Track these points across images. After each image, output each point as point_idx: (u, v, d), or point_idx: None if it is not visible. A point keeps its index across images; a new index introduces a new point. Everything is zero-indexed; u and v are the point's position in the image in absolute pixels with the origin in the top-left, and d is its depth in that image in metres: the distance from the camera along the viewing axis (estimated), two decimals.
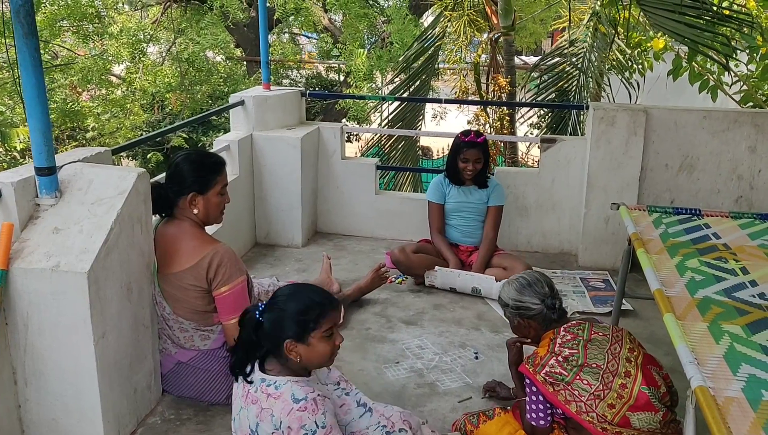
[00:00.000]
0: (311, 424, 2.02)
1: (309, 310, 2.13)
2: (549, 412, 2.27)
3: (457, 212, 4.16)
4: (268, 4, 6.47)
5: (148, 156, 11.62)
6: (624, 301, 3.58)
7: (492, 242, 4.12)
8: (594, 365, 2.22)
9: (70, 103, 10.67)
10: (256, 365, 2.16)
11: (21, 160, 10.69)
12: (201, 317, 2.74)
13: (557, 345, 2.31)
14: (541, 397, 2.26)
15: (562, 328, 2.37)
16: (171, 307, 2.73)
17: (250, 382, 2.14)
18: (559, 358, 2.25)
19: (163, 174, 3.59)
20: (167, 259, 2.73)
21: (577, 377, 2.20)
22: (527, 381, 2.30)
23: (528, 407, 2.31)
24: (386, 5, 12.52)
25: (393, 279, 4.11)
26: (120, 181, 2.54)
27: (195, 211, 2.75)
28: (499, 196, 4.18)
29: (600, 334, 2.33)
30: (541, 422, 2.27)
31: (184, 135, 11.49)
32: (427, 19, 11.82)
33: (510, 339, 2.78)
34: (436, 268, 3.99)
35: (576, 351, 2.26)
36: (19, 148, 10.38)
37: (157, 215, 2.82)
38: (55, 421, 2.47)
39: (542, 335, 2.46)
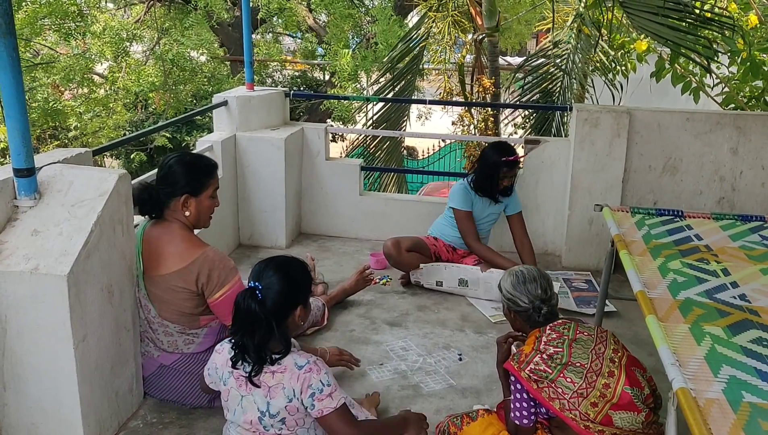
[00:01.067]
0: (317, 383, 2.17)
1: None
2: (533, 410, 2.28)
3: (479, 222, 4.12)
4: (251, 4, 6.43)
5: (132, 156, 11.52)
6: (607, 302, 3.60)
7: (531, 249, 4.11)
8: (578, 364, 2.23)
9: (52, 102, 10.55)
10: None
11: (1, 160, 10.57)
12: (188, 320, 2.72)
13: (542, 343, 2.32)
14: (525, 395, 2.26)
15: (548, 327, 2.39)
16: (156, 309, 2.70)
17: (270, 363, 2.19)
18: (544, 356, 2.26)
19: (148, 174, 3.60)
20: (155, 260, 2.70)
21: (561, 375, 2.21)
22: (512, 378, 2.31)
23: (512, 405, 2.31)
24: (371, 5, 12.51)
25: (378, 280, 4.11)
26: (101, 183, 2.52)
27: (186, 213, 2.74)
28: (517, 202, 4.18)
29: (585, 334, 2.34)
30: (525, 421, 2.28)
31: (168, 135, 11.41)
32: (412, 19, 11.82)
33: (500, 337, 2.78)
34: (421, 265, 3.99)
35: (561, 350, 2.27)
36: None
37: (144, 216, 2.79)
38: (34, 426, 2.44)
39: (528, 332, 2.47)
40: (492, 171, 3.99)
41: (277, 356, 2.20)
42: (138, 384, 2.81)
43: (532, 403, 2.27)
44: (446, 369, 3.21)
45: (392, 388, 3.04)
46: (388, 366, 3.23)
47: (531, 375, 2.24)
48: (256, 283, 2.19)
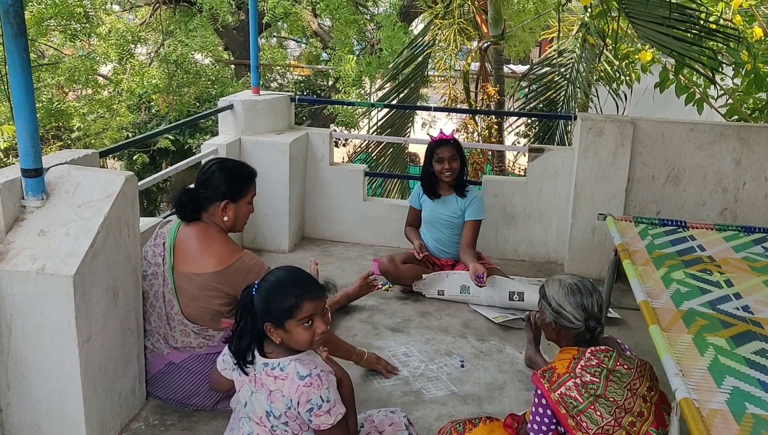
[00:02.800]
0: (317, 398, 2.11)
1: (284, 300, 2.13)
2: (552, 428, 2.21)
3: (431, 223, 4.13)
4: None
5: (134, 157, 11.54)
6: (610, 309, 3.60)
7: (470, 254, 3.97)
8: (611, 399, 2.14)
9: (56, 103, 10.58)
10: (256, 351, 2.20)
11: (4, 160, 10.59)
12: (211, 319, 2.77)
13: (579, 367, 2.21)
14: (549, 411, 2.18)
15: (588, 351, 2.24)
16: (181, 305, 2.73)
17: (249, 364, 2.18)
18: (578, 381, 2.17)
19: (149, 178, 3.63)
20: (190, 258, 2.75)
21: (592, 407, 2.13)
22: (538, 392, 2.23)
23: (532, 417, 2.23)
24: (376, 12, 12.54)
25: (380, 286, 4.11)
26: (108, 184, 2.53)
27: (225, 218, 2.81)
28: (476, 210, 4.03)
29: (625, 366, 2.22)
30: (541, 434, 2.23)
31: (171, 137, 11.43)
32: (417, 26, 11.86)
33: (529, 316, 2.81)
34: (424, 275, 4.00)
35: (597, 380, 2.17)
36: (3, 147, 10.27)
37: (181, 219, 2.84)
38: (37, 426, 2.45)
39: (563, 345, 2.37)
40: (428, 158, 4.04)
41: (276, 362, 2.17)
42: (141, 386, 2.81)
43: (554, 420, 2.19)
44: (448, 375, 3.22)
45: (394, 394, 3.05)
46: None
47: (560, 399, 2.15)
48: (256, 285, 2.21)
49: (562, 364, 2.25)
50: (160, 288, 2.77)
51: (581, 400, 2.14)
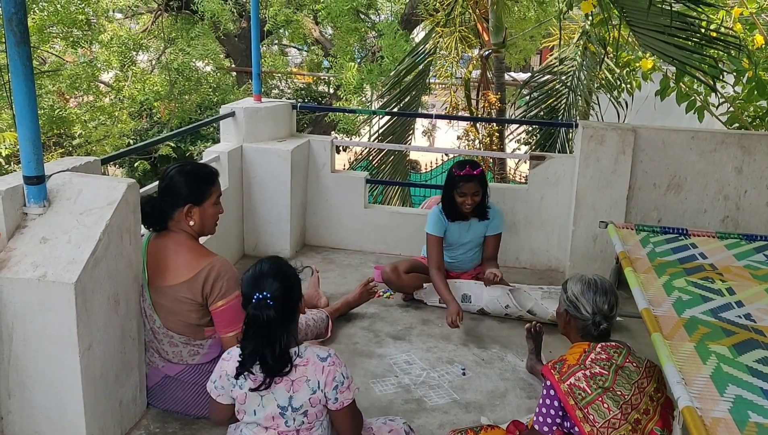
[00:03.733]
0: (339, 376, 2.23)
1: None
2: (558, 422, 2.23)
3: (457, 247, 4.03)
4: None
5: (135, 164, 11.55)
6: None
7: (495, 263, 3.99)
8: (619, 393, 2.17)
9: (58, 110, 10.61)
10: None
11: (6, 166, 10.60)
12: (193, 331, 2.72)
13: (589, 359, 2.26)
14: (556, 403, 2.20)
15: (599, 346, 2.31)
16: (162, 320, 2.70)
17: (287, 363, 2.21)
18: (587, 373, 2.21)
19: (151, 185, 3.61)
20: (161, 271, 2.70)
21: (600, 399, 2.15)
22: (547, 383, 2.25)
23: (538, 410, 2.26)
24: (377, 19, 12.58)
25: (381, 293, 4.11)
26: (109, 192, 2.53)
27: (191, 222, 2.74)
28: (498, 224, 3.99)
29: (634, 364, 2.27)
30: (545, 429, 2.24)
31: (172, 144, 11.45)
32: (418, 34, 11.90)
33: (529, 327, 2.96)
34: (425, 284, 3.99)
35: (606, 372, 2.21)
36: (4, 154, 10.29)
37: (148, 229, 2.80)
38: (38, 434, 2.44)
39: (574, 341, 2.42)
40: (449, 187, 3.87)
41: (292, 351, 2.23)
42: (141, 393, 2.81)
43: (560, 413, 2.22)
44: (450, 383, 3.21)
45: (396, 401, 3.04)
46: (391, 379, 3.22)
47: (569, 390, 2.18)
48: (264, 294, 2.19)
49: (573, 356, 2.30)
50: (142, 303, 2.73)
51: (589, 392, 2.16)
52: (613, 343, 2.34)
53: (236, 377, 2.23)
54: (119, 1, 11.14)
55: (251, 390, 2.21)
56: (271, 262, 2.31)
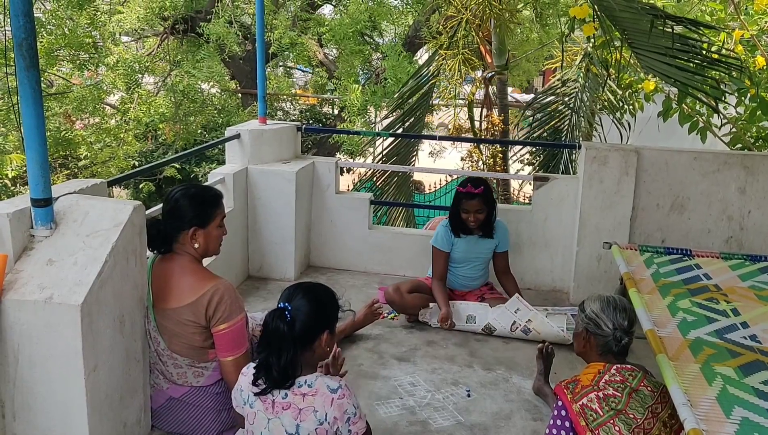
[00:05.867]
0: (350, 407, 2.21)
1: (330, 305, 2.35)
2: None
3: (464, 263, 4.10)
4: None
5: (141, 186, 11.61)
6: None
7: (515, 282, 4.16)
8: (631, 416, 2.17)
9: (64, 132, 10.68)
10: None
11: (12, 188, 10.66)
12: (197, 353, 2.72)
13: (603, 380, 2.27)
14: (567, 423, 2.20)
15: (614, 367, 2.33)
16: (166, 342, 2.71)
17: (285, 388, 2.22)
18: (600, 394, 2.21)
19: (156, 207, 3.63)
20: (166, 294, 2.71)
21: (611, 421, 2.15)
22: (559, 403, 2.25)
23: (548, 430, 2.25)
24: (381, 42, 12.68)
25: (386, 314, 4.10)
26: (116, 214, 2.55)
27: (196, 245, 2.76)
28: (507, 240, 4.15)
29: (649, 388, 2.27)
30: None
31: (177, 165, 11.51)
32: (422, 56, 11.98)
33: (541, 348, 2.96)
34: (431, 304, 3.99)
35: (619, 395, 2.21)
36: (10, 176, 10.36)
37: (153, 251, 2.81)
38: None
39: (592, 361, 2.43)
40: (455, 204, 3.99)
41: (302, 379, 2.23)
42: (146, 415, 2.80)
43: (570, 434, 2.22)
44: (455, 405, 3.20)
45: (400, 423, 3.03)
46: (396, 401, 3.22)
47: (581, 411, 2.18)
48: (286, 304, 2.21)
49: (587, 377, 2.31)
50: (147, 326, 2.74)
51: (601, 413, 2.16)
52: (629, 366, 2.35)
53: (253, 383, 2.26)
54: (126, 24, 11.24)
55: (255, 394, 2.24)
56: (315, 284, 2.38)
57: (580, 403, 2.19)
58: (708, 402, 1.98)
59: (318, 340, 2.28)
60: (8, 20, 2.27)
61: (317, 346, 2.29)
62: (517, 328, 3.82)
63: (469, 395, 3.28)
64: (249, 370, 2.34)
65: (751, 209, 4.23)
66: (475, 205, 3.90)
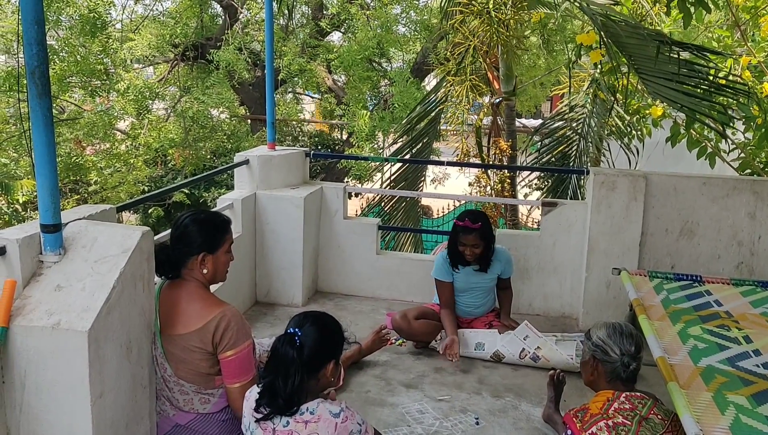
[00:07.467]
0: (354, 426, 2.23)
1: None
2: None
3: (465, 292, 4.06)
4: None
5: (150, 211, 11.68)
6: None
7: (510, 295, 4.18)
8: None
9: (74, 157, 10.79)
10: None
11: (23, 213, 10.74)
12: (203, 380, 2.71)
13: (612, 408, 2.25)
14: None
15: (623, 395, 2.32)
16: (173, 368, 2.70)
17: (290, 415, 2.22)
18: (609, 423, 2.19)
19: (164, 233, 3.63)
20: (173, 320, 2.71)
21: None
22: (568, 432, 2.24)
23: None
24: (389, 68, 12.78)
25: (393, 341, 4.08)
26: (124, 240, 2.55)
27: (204, 270, 2.76)
28: (510, 268, 4.10)
29: (659, 417, 2.25)
30: None
31: (186, 190, 11.58)
32: (430, 82, 12.06)
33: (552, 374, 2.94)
34: (440, 334, 3.97)
35: (629, 423, 2.19)
36: (21, 201, 10.44)
37: (161, 277, 2.81)
38: None
39: (601, 389, 2.41)
40: (453, 237, 3.94)
41: (304, 407, 2.23)
42: None
43: None
44: (463, 433, 3.16)
45: None
46: (403, 429, 3.18)
47: None
48: (296, 329, 2.22)
49: (596, 405, 2.29)
50: (154, 352, 2.73)
51: None
52: (639, 394, 2.33)
53: (255, 409, 2.26)
54: (137, 51, 11.39)
55: (256, 421, 2.24)
56: (322, 313, 2.42)
57: (590, 431, 2.17)
58: (721, 431, 1.95)
59: (324, 368, 2.29)
60: (22, 48, 2.30)
61: (322, 375, 2.29)
62: (526, 355, 3.79)
63: (477, 423, 3.25)
64: (252, 394, 2.33)
65: (762, 235, 4.20)
66: (471, 239, 3.85)
